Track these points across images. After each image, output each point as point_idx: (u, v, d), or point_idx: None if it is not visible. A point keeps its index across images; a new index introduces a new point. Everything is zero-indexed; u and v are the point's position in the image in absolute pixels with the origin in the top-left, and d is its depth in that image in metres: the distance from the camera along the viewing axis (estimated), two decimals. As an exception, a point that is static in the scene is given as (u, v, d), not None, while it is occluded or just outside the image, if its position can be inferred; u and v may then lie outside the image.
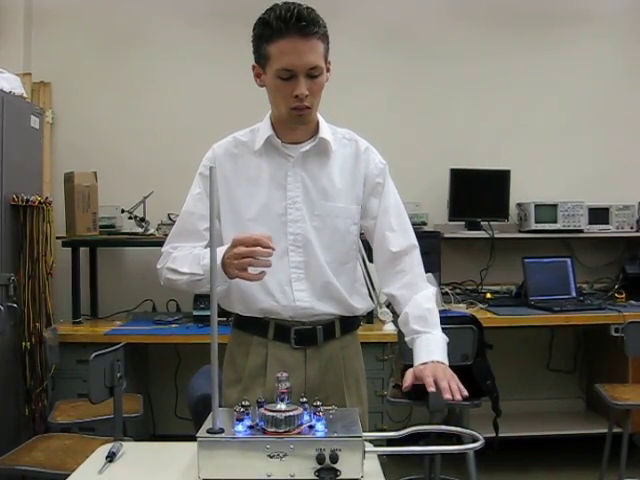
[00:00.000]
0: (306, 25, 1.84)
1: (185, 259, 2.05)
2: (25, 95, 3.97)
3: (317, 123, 2.06)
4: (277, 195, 2.02)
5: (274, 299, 2.01)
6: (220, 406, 1.63)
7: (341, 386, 2.08)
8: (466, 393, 1.82)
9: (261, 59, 1.94)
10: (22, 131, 3.78)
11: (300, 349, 2.04)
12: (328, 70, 1.97)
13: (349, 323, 2.11)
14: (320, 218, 2.03)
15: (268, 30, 1.87)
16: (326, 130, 2.07)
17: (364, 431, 1.61)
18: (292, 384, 1.76)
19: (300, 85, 1.88)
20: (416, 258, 2.13)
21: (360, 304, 2.12)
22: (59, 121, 4.70)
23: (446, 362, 1.93)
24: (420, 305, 2.06)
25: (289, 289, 2.01)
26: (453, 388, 1.80)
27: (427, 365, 1.89)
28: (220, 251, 1.84)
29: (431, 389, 1.80)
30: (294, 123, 1.98)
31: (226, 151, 2.10)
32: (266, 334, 2.05)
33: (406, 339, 2.05)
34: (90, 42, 4.72)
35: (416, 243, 2.14)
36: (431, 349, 1.96)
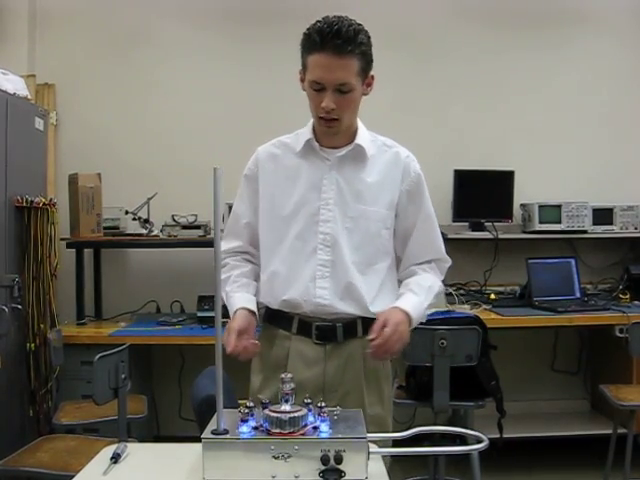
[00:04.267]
0: (341, 43, 1.95)
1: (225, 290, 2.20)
2: (29, 97, 3.97)
3: (356, 130, 2.18)
4: (312, 196, 2.13)
5: (297, 293, 2.11)
6: (225, 401, 1.63)
7: (360, 384, 2.15)
8: (390, 353, 2.02)
9: (302, 67, 2.07)
10: (26, 133, 3.79)
11: (321, 344, 2.14)
12: (369, 85, 2.12)
13: (371, 324, 2.11)
14: (352, 220, 2.12)
15: (308, 42, 2.01)
16: (364, 137, 2.19)
17: (387, 431, 1.62)
18: (311, 377, 1.95)
19: (327, 98, 2.00)
20: (434, 267, 2.27)
21: (379, 307, 2.13)
22: (63, 123, 4.71)
23: (413, 316, 2.08)
24: (418, 281, 2.20)
25: (312, 285, 2.11)
26: (379, 344, 1.97)
27: (389, 310, 2.05)
28: (231, 313, 2.11)
29: (371, 336, 1.98)
30: (322, 132, 2.12)
31: (268, 153, 2.23)
32: (290, 328, 2.15)
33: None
34: (94, 44, 4.73)
35: (441, 256, 2.29)
36: (404, 301, 2.11)
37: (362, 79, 2.07)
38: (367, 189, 2.14)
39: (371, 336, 1.99)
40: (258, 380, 2.20)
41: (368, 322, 2.11)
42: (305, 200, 2.13)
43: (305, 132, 2.18)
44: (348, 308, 2.12)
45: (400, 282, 2.25)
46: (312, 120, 2.17)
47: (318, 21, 2.01)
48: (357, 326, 2.15)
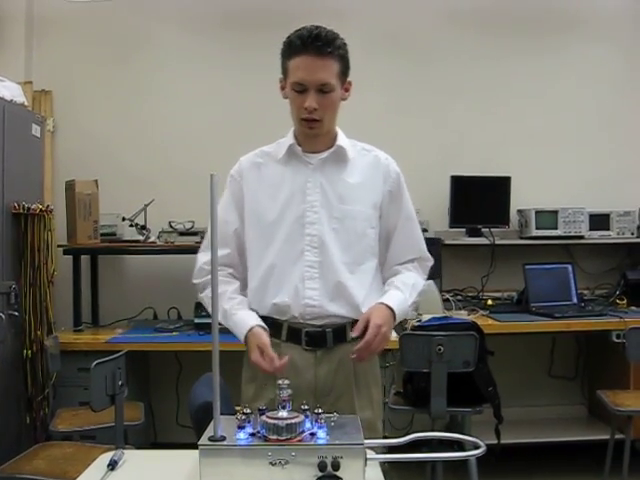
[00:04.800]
0: (322, 45, 2.04)
1: (221, 310, 2.13)
2: (26, 103, 3.98)
3: (336, 135, 2.23)
4: (297, 199, 2.16)
5: (286, 295, 2.13)
6: (222, 408, 1.63)
7: (350, 389, 2.17)
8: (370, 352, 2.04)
9: (284, 73, 2.14)
10: (23, 139, 3.79)
11: (311, 350, 2.15)
12: (347, 90, 2.19)
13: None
14: (338, 221, 2.16)
15: (289, 47, 2.09)
16: (343, 140, 2.23)
17: (377, 436, 1.62)
18: (302, 383, 1.95)
19: (309, 98, 2.07)
20: (417, 266, 2.30)
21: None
22: (60, 129, 4.71)
23: (397, 313, 2.12)
24: (402, 279, 2.23)
25: (301, 286, 2.13)
26: (362, 349, 2.02)
27: (374, 307, 2.10)
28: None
29: (354, 334, 2.05)
30: (305, 134, 2.16)
31: (251, 162, 2.27)
32: (280, 335, 2.16)
33: None
34: (91, 50, 4.73)
35: (424, 255, 2.32)
36: (389, 298, 2.14)
37: (341, 82, 2.14)
38: (350, 190, 2.19)
39: (354, 334, 2.05)
40: (251, 389, 2.20)
41: None
42: (290, 204, 2.16)
43: (287, 139, 2.23)
44: (339, 310, 2.14)
45: (384, 282, 2.28)
46: (292, 128, 2.22)
47: (297, 30, 2.10)
48: (346, 331, 2.16)
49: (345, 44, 2.14)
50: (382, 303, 2.12)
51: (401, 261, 2.28)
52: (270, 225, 2.16)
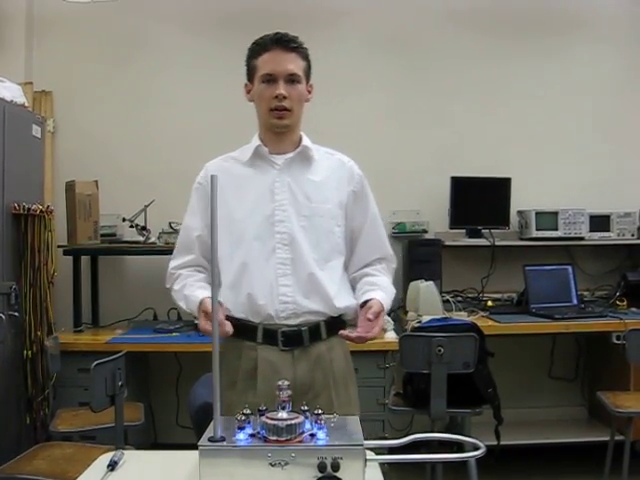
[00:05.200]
0: (288, 41, 2.19)
1: (181, 295, 2.28)
2: (26, 104, 3.98)
3: (301, 137, 2.29)
4: (265, 199, 2.21)
5: (260, 292, 2.15)
6: (222, 409, 1.63)
7: (328, 386, 2.20)
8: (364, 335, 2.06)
9: (250, 73, 2.25)
10: (23, 140, 3.79)
11: (288, 350, 2.18)
12: (309, 92, 2.27)
13: (334, 325, 2.20)
14: (307, 218, 2.21)
15: (256, 48, 2.22)
16: (308, 142, 2.29)
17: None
18: None
19: (280, 86, 2.16)
20: (385, 268, 2.35)
21: (343, 302, 2.22)
22: (60, 130, 4.71)
23: (384, 308, 2.16)
24: (382, 283, 2.27)
25: (275, 283, 2.16)
26: (366, 337, 2.05)
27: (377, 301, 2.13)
28: (193, 306, 2.15)
29: (369, 315, 2.06)
30: (275, 126, 2.22)
31: (217, 166, 2.32)
32: (255, 338, 2.18)
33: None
34: (91, 51, 4.74)
35: (389, 255, 2.38)
36: (381, 297, 2.17)
37: (306, 79, 2.24)
38: (317, 188, 2.24)
39: (369, 315, 2.06)
40: (233, 394, 2.14)
41: (332, 323, 2.20)
42: (259, 203, 2.21)
43: (253, 142, 2.29)
44: (313, 305, 2.17)
45: (352, 282, 2.32)
46: (257, 133, 2.30)
47: (261, 36, 2.24)
48: (321, 328, 2.19)
49: (307, 49, 2.25)
50: (380, 301, 2.15)
51: (368, 261, 2.32)
52: (240, 225, 2.20)
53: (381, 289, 2.23)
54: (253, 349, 2.17)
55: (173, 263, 2.35)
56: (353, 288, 2.30)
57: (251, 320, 2.18)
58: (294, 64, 2.19)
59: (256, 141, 2.27)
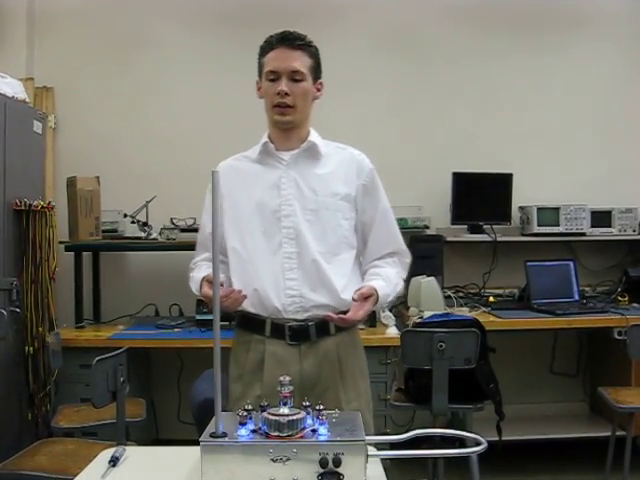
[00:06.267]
0: (293, 39, 2.22)
1: (193, 281, 2.35)
2: (28, 100, 3.98)
3: (308, 133, 2.32)
4: (272, 194, 2.25)
5: (268, 286, 2.19)
6: (224, 405, 1.63)
7: (336, 382, 2.22)
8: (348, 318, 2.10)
9: (260, 70, 2.28)
10: (25, 136, 3.79)
11: (295, 345, 2.20)
12: (319, 90, 2.30)
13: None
14: (313, 212, 2.23)
15: (264, 47, 2.26)
16: (316, 137, 2.32)
17: (367, 429, 1.63)
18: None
19: (282, 83, 2.19)
20: (397, 262, 2.36)
21: (351, 295, 2.19)
22: (62, 126, 4.71)
23: (378, 303, 2.18)
24: (388, 275, 2.28)
25: (281, 277, 2.19)
26: (349, 319, 2.10)
27: (371, 286, 2.17)
28: (197, 282, 2.25)
29: (355, 296, 2.11)
30: (278, 122, 2.25)
31: (228, 165, 2.36)
32: (263, 332, 2.21)
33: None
34: (93, 47, 4.73)
35: (402, 249, 2.38)
36: (379, 287, 2.19)
37: (313, 77, 2.26)
38: (324, 182, 2.26)
39: (354, 296, 2.10)
40: (239, 388, 2.24)
41: None
42: (266, 199, 2.24)
43: (261, 140, 2.32)
44: (320, 298, 2.19)
45: (363, 276, 2.33)
46: (267, 132, 2.33)
47: (271, 34, 2.27)
48: (329, 324, 2.20)
49: (316, 47, 2.28)
50: (375, 288, 2.17)
51: (380, 255, 2.33)
52: (247, 220, 2.25)
53: (382, 279, 2.24)
54: (261, 343, 2.21)
55: (193, 259, 2.43)
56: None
57: (260, 314, 2.21)
58: (298, 62, 2.21)
59: (264, 138, 2.30)
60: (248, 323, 2.25)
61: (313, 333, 2.20)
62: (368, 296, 2.13)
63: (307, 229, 2.21)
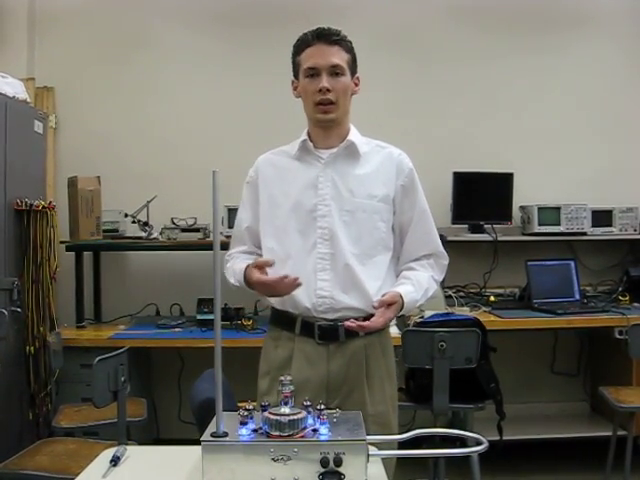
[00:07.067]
0: (330, 34, 2.19)
1: (230, 271, 2.34)
2: (28, 100, 3.97)
3: (348, 131, 2.30)
4: (309, 193, 2.24)
5: (300, 286, 2.13)
6: (225, 404, 1.63)
7: (362, 383, 2.21)
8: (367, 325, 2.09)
9: (295, 69, 2.27)
10: (25, 136, 3.79)
11: (323, 344, 2.20)
12: (357, 84, 2.29)
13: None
14: (349, 213, 2.22)
15: (300, 44, 2.24)
16: (356, 136, 2.30)
17: (391, 431, 1.64)
18: (314, 377, 2.05)
19: (323, 79, 2.17)
20: (432, 264, 2.34)
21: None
22: (62, 126, 4.71)
23: (404, 309, 2.17)
24: (418, 278, 2.27)
25: (313, 277, 2.19)
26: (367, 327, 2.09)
27: (394, 293, 2.14)
28: (240, 272, 2.24)
29: (375, 304, 2.11)
30: (321, 120, 2.23)
31: (267, 160, 2.37)
32: (293, 329, 2.23)
33: None
34: (94, 47, 4.73)
35: (439, 251, 2.36)
36: (405, 293, 2.18)
37: (351, 73, 2.24)
38: (362, 183, 2.24)
39: (374, 304, 2.09)
40: (266, 383, 2.26)
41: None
42: (302, 198, 2.23)
43: (301, 137, 2.30)
44: (351, 301, 2.18)
45: (398, 278, 2.31)
46: (306, 129, 2.31)
47: (304, 32, 2.25)
48: None
49: (351, 42, 2.25)
50: (400, 294, 2.15)
51: (416, 257, 2.31)
52: (283, 218, 2.24)
53: (412, 283, 2.23)
54: (291, 340, 2.23)
55: (228, 252, 2.41)
56: None
57: (291, 311, 2.22)
58: (337, 56, 2.20)
59: (304, 135, 2.29)
60: (279, 319, 2.27)
61: (342, 334, 2.19)
62: (391, 303, 2.10)
63: (342, 230, 2.20)
